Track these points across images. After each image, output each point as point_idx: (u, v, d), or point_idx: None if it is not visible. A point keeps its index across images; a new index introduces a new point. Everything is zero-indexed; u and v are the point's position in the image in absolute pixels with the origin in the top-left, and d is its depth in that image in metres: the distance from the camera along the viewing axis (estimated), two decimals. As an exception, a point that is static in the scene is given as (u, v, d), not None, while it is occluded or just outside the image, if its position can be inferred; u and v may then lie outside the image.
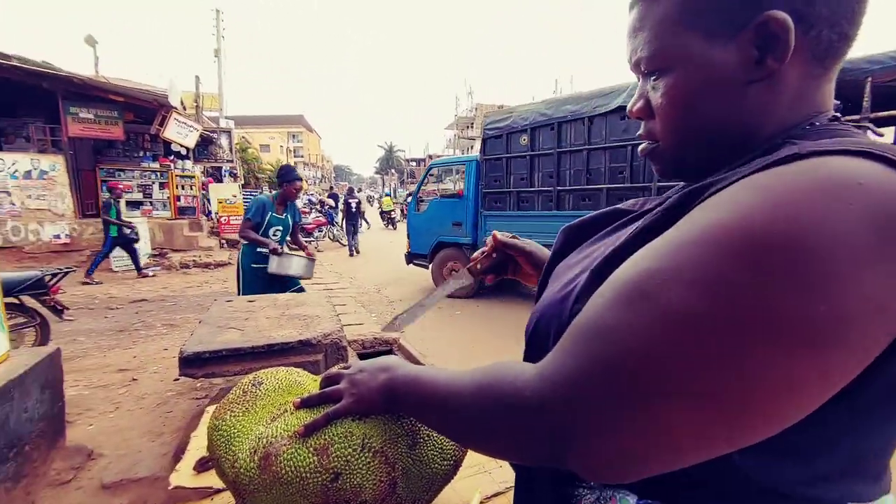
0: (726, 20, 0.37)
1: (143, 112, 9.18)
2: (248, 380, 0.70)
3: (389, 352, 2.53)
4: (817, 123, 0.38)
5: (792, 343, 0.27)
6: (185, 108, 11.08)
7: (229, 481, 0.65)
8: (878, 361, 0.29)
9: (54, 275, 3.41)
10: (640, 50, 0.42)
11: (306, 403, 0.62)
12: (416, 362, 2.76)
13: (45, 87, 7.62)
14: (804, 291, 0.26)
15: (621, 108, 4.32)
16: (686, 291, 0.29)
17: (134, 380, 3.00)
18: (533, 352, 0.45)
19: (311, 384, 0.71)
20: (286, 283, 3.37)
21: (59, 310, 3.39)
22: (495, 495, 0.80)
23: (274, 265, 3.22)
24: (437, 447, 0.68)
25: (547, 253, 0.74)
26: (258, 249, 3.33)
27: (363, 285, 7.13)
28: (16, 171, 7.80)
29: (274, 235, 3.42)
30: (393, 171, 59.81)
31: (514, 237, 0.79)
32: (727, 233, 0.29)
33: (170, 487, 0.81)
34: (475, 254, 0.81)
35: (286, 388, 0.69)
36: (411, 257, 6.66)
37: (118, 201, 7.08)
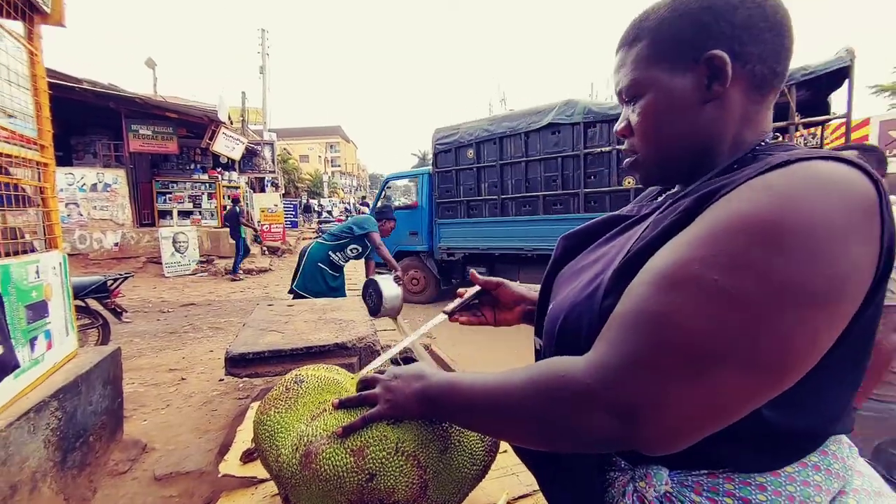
0: (683, 57, 0.48)
1: (194, 127, 9.82)
2: (291, 377, 0.75)
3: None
4: (768, 141, 0.49)
5: (812, 303, 0.34)
6: (231, 123, 11.74)
7: (273, 473, 0.69)
8: (854, 316, 0.37)
9: (115, 279, 3.69)
10: (621, 82, 0.53)
11: (344, 405, 0.66)
12: (448, 368, 2.77)
13: (112, 107, 8.32)
14: (815, 262, 0.34)
15: (551, 125, 4.94)
16: (722, 273, 0.35)
17: (183, 379, 3.19)
18: (561, 348, 0.47)
19: (349, 383, 0.75)
20: (337, 290, 3.46)
21: (118, 312, 3.67)
22: (522, 497, 0.80)
23: (386, 288, 3.01)
24: (468, 452, 0.70)
25: (521, 289, 0.80)
26: (333, 255, 3.41)
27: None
28: (84, 184, 8.53)
29: (352, 252, 3.53)
30: (426, 179, 60.50)
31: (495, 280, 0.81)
32: (749, 222, 0.36)
33: (219, 476, 0.87)
34: (458, 292, 0.82)
35: (325, 386, 0.73)
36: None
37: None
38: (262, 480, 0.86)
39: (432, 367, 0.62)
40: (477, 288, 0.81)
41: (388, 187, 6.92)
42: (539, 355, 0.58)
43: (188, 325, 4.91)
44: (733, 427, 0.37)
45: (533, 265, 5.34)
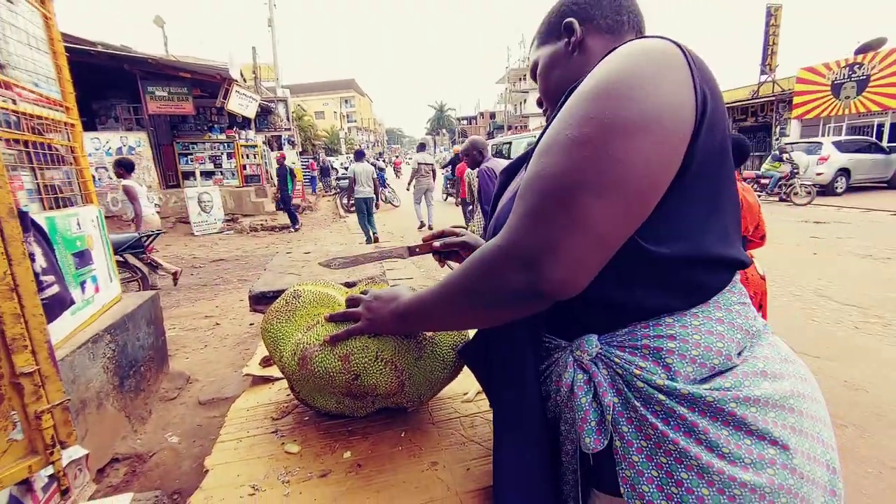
0: (553, 33, 0.70)
1: (208, 87, 9.82)
2: (290, 292, 0.87)
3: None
4: None
5: (636, 129, 0.44)
6: (245, 80, 11.64)
7: (281, 371, 0.85)
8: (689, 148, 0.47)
9: (148, 236, 3.96)
10: (531, 58, 0.75)
11: (333, 319, 0.79)
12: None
13: (127, 69, 8.38)
14: (632, 99, 0.45)
15: None
16: (571, 127, 0.47)
17: (217, 324, 3.50)
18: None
19: (341, 297, 0.87)
20: None
21: (154, 266, 3.97)
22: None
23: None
24: (440, 359, 0.83)
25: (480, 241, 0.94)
26: None
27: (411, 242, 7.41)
28: (109, 147, 8.82)
29: None
30: (444, 130, 59.02)
31: (453, 231, 0.96)
32: (586, 88, 0.49)
33: (242, 374, 1.05)
34: (424, 238, 0.98)
35: (319, 300, 0.85)
36: None
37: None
38: (278, 378, 1.04)
39: (408, 291, 0.72)
40: (440, 242, 0.96)
41: None
42: None
43: (218, 278, 5.25)
44: (626, 270, 0.48)
45: None
